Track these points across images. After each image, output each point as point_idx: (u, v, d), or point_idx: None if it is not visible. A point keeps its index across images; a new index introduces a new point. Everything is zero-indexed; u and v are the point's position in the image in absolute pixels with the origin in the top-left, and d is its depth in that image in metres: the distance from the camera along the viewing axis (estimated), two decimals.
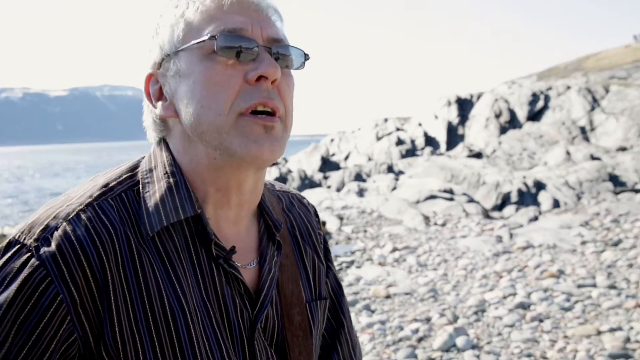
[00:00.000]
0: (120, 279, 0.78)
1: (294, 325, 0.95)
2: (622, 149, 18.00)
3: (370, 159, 22.54)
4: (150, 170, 0.88)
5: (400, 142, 23.90)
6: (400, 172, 17.39)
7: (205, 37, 0.82)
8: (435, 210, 10.93)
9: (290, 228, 1.05)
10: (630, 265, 6.34)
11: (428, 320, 5.10)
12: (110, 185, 0.85)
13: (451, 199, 11.40)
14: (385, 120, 27.73)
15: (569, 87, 24.79)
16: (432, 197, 11.56)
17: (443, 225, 9.91)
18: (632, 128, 20.91)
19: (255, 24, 0.84)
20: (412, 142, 24.39)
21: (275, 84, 0.84)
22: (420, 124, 26.41)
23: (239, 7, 0.84)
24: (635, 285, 5.69)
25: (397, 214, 10.87)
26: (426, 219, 10.25)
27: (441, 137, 25.03)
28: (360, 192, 14.23)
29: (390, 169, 17.67)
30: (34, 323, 0.73)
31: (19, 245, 0.76)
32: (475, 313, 5.22)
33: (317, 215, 1.14)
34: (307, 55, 0.91)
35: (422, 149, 23.64)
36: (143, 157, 0.93)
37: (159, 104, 0.88)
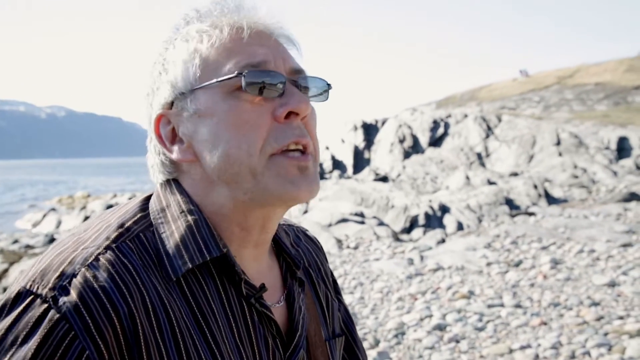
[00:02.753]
0: (153, 331, 0.70)
1: None
2: (514, 174, 19.36)
3: None
4: (163, 210, 0.80)
5: None
6: None
7: (232, 75, 0.76)
8: (347, 233, 11.10)
9: (303, 263, 1.01)
10: (532, 285, 6.77)
11: None
12: (127, 225, 0.77)
13: (362, 222, 11.64)
14: None
15: (466, 116, 26.40)
16: (344, 220, 11.74)
17: (355, 248, 10.08)
18: (522, 155, 22.60)
19: (277, 56, 0.80)
20: (320, 165, 24.76)
21: (305, 119, 0.80)
22: (327, 148, 26.91)
23: (259, 39, 0.80)
24: (537, 303, 6.07)
25: None
26: (339, 242, 10.38)
27: (348, 160, 25.64)
28: None
29: None
30: None
31: (32, 296, 0.67)
32: (396, 336, 5.32)
33: (322, 248, 1.10)
34: (330, 85, 0.87)
35: (330, 172, 24.06)
36: (150, 195, 0.85)
37: (175, 147, 0.81)
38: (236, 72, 0.76)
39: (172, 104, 0.81)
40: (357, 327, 5.60)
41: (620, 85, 37.59)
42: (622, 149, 21.89)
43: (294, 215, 13.98)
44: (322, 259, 1.06)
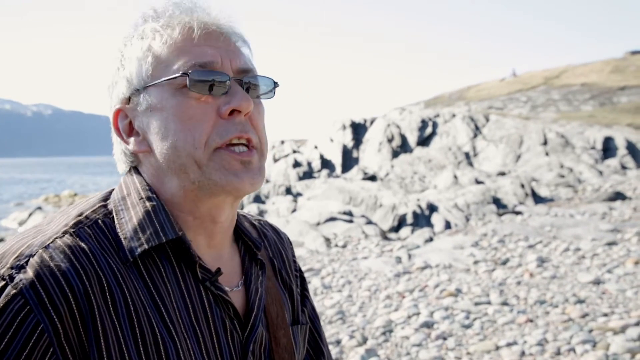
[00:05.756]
0: (108, 307, 0.73)
1: (280, 348, 0.94)
2: (502, 174, 19.48)
3: (267, 181, 22.54)
4: (123, 198, 0.85)
5: (297, 164, 24.18)
6: (299, 194, 17.54)
7: (178, 74, 0.81)
8: (336, 232, 11.12)
9: (267, 252, 1.06)
10: (519, 283, 6.82)
11: (338, 342, 5.14)
12: (85, 214, 0.81)
13: (350, 221, 11.66)
14: (282, 142, 27.98)
15: (454, 115, 26.51)
16: (332, 219, 11.76)
17: (344, 246, 10.10)
18: (510, 154, 22.75)
19: (224, 56, 0.84)
20: (309, 164, 24.76)
21: (247, 115, 0.84)
22: (316, 147, 26.92)
23: (208, 39, 0.84)
24: (524, 301, 6.12)
25: (299, 236, 10.93)
26: (327, 240, 10.39)
27: (337, 159, 25.66)
28: (260, 214, 14.15)
29: (288, 191, 17.77)
30: (13, 357, 0.66)
31: None
32: (383, 333, 5.34)
33: (290, 243, 1.14)
34: (277, 83, 0.91)
35: (319, 171, 24.08)
36: (112, 190, 0.90)
37: (132, 139, 0.87)
38: (181, 71, 0.81)
39: (129, 99, 0.86)
40: (345, 325, 5.61)
41: (606, 86, 37.96)
42: (608, 148, 22.12)
43: (282, 214, 13.97)
44: (288, 252, 1.11)
